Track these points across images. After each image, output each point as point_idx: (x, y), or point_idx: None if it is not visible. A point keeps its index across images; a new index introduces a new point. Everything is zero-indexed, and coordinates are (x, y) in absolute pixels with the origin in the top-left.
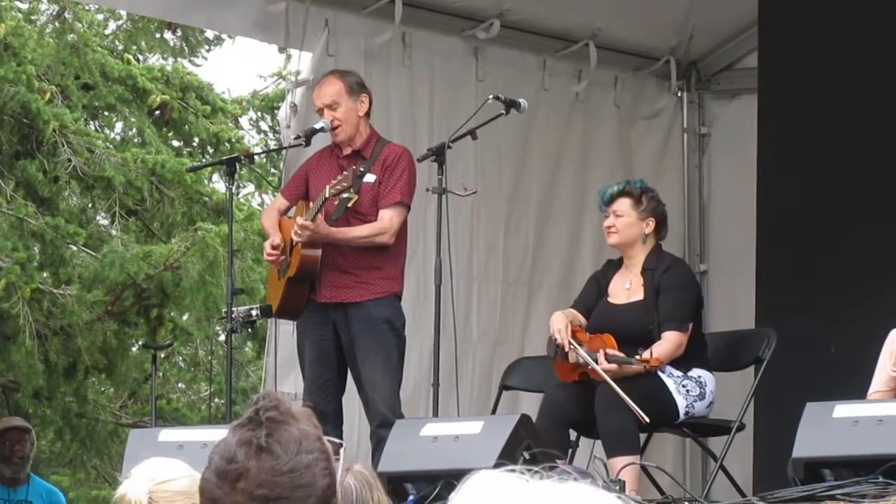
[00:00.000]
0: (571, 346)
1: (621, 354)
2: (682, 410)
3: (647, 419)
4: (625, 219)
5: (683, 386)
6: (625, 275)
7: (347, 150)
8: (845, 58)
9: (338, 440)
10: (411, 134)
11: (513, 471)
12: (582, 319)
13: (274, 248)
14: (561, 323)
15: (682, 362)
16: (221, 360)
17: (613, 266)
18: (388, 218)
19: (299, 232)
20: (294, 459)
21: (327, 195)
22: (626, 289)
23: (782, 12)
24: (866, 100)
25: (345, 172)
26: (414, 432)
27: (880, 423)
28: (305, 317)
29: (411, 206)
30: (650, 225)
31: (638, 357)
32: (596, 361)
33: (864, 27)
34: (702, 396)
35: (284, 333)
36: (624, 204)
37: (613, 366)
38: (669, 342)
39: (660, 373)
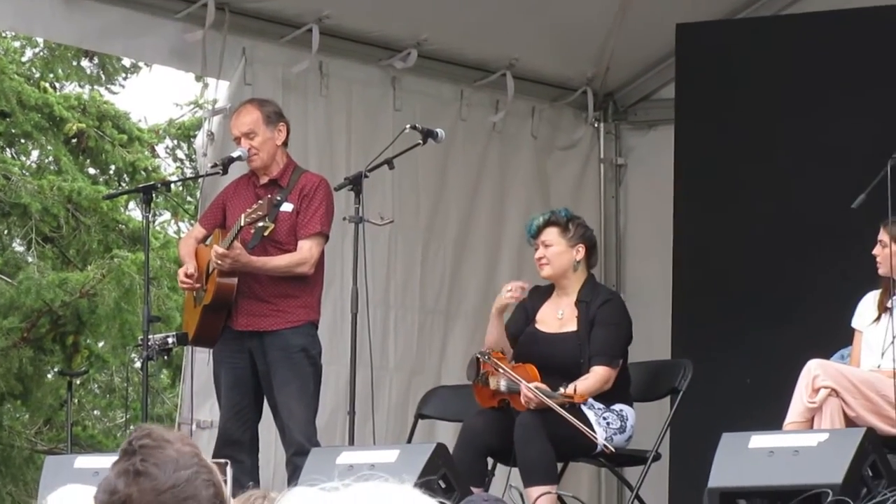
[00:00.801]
0: (495, 371)
1: (544, 386)
2: (600, 443)
3: (611, 448)
4: (554, 248)
5: (604, 418)
6: (556, 303)
7: (264, 179)
8: (761, 90)
9: (223, 460)
10: (328, 162)
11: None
12: (507, 347)
13: (188, 276)
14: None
15: (607, 397)
16: (137, 387)
17: (543, 293)
18: (307, 248)
19: (219, 261)
20: (173, 476)
21: (242, 224)
22: (559, 318)
23: (699, 44)
24: (781, 133)
25: (260, 202)
26: (330, 460)
27: (796, 453)
28: (221, 344)
29: (329, 236)
30: (580, 251)
31: (562, 392)
32: (519, 393)
33: (781, 60)
34: (622, 430)
35: (200, 361)
36: (551, 234)
37: (532, 396)
38: (597, 377)
39: (581, 404)
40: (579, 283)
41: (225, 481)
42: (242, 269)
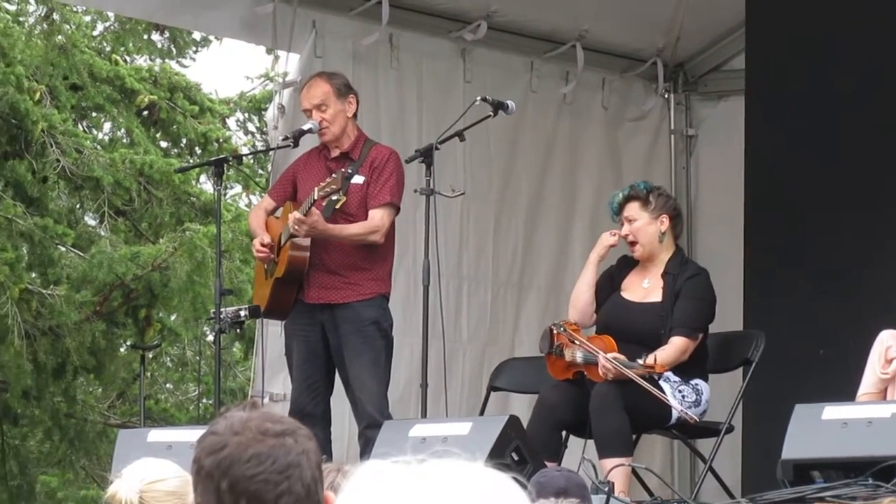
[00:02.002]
0: (570, 343)
1: (622, 357)
2: (674, 414)
3: (695, 418)
4: (638, 222)
5: (679, 391)
6: (642, 273)
7: (335, 152)
8: (832, 59)
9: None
10: (400, 135)
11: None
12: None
13: (263, 245)
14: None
15: (684, 370)
16: (209, 360)
17: (630, 261)
18: (379, 217)
19: (296, 227)
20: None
21: (315, 197)
22: (644, 287)
23: (769, 14)
24: (852, 100)
25: (333, 175)
26: (402, 433)
27: (869, 424)
28: (293, 318)
29: (400, 208)
30: (665, 222)
31: (641, 362)
32: (595, 364)
33: (851, 28)
34: (697, 403)
35: (272, 334)
36: (633, 208)
37: (611, 367)
38: (676, 347)
39: (657, 376)
40: (667, 256)
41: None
42: (319, 236)
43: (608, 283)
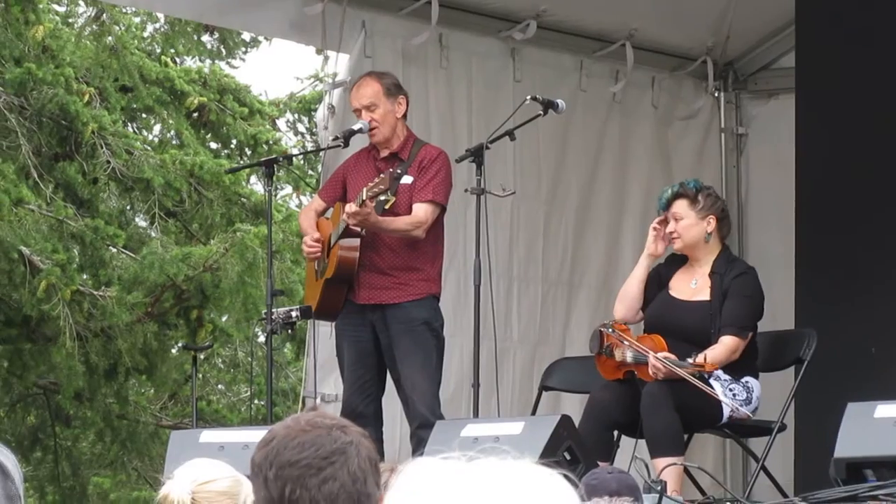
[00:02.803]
0: (619, 343)
1: (673, 356)
2: (726, 413)
3: (748, 414)
4: (685, 221)
5: (731, 389)
6: (690, 272)
7: (385, 152)
8: (883, 57)
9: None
10: (450, 135)
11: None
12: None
13: (314, 240)
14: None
15: (735, 369)
16: (261, 361)
17: (677, 261)
18: (422, 212)
19: (350, 218)
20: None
21: (364, 197)
22: (692, 287)
23: (819, 11)
24: None
25: (381, 175)
26: (454, 433)
27: None
28: (344, 318)
29: (447, 207)
30: (711, 223)
31: (691, 361)
32: (645, 364)
33: None
34: (748, 401)
35: (323, 335)
36: (681, 206)
37: (661, 366)
38: (726, 346)
39: (707, 375)
40: (713, 255)
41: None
42: (370, 228)
43: (656, 281)
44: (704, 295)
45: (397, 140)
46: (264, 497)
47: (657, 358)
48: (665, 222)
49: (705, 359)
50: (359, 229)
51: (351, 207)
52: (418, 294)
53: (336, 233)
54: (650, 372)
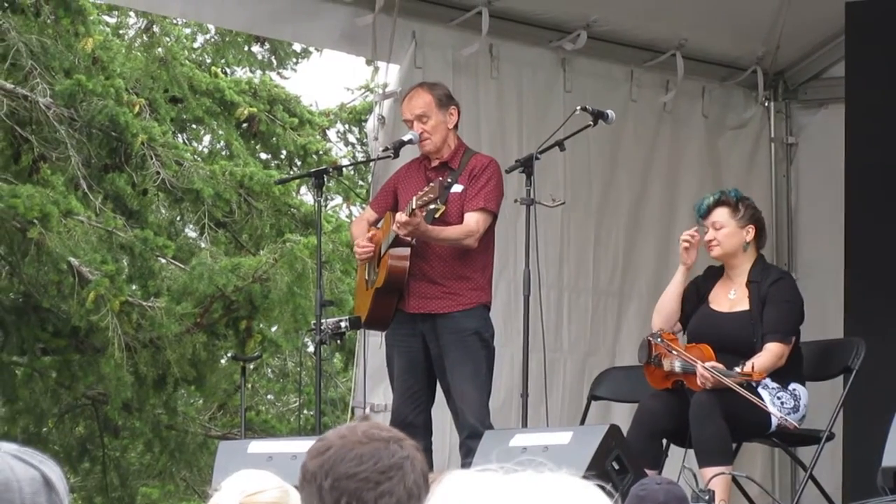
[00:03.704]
0: (667, 353)
1: (720, 366)
2: (774, 421)
3: (795, 424)
4: (725, 229)
5: (778, 398)
6: (727, 284)
7: (435, 162)
8: None
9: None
10: (500, 145)
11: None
12: (677, 323)
13: (367, 239)
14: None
15: (781, 375)
16: (310, 371)
17: (715, 273)
18: (474, 221)
19: (400, 228)
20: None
21: (413, 207)
22: (731, 298)
23: (869, 21)
24: None
25: (431, 184)
26: (503, 442)
27: None
28: (394, 328)
29: (498, 216)
30: (750, 232)
31: (739, 370)
32: (694, 373)
33: None
34: (796, 409)
35: (373, 345)
36: (722, 214)
37: (709, 375)
38: (772, 353)
39: (754, 384)
40: (749, 264)
41: None
42: (420, 237)
43: (694, 293)
44: (744, 305)
45: (448, 150)
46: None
47: (705, 367)
48: (696, 232)
49: (752, 367)
50: (409, 239)
51: (401, 217)
52: (468, 304)
53: (387, 242)
54: (698, 382)
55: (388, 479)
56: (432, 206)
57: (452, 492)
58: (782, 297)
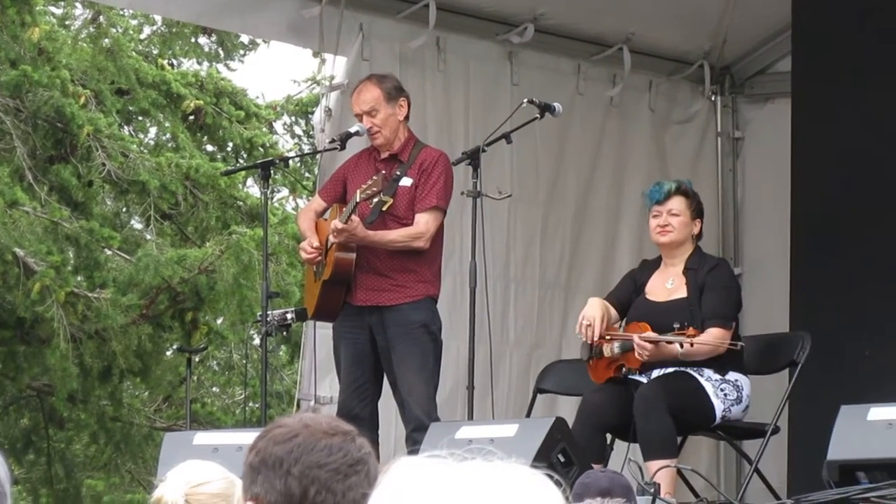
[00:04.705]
0: (606, 338)
1: (655, 334)
2: (718, 414)
3: (691, 342)
4: (681, 218)
5: (721, 390)
6: (664, 274)
7: (385, 154)
8: (878, 62)
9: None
10: (447, 138)
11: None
12: (614, 313)
13: (313, 247)
14: (597, 312)
15: (720, 365)
16: (256, 363)
17: (651, 265)
18: (423, 222)
19: (336, 235)
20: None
21: (357, 199)
22: (668, 287)
23: (816, 16)
24: None
25: (374, 177)
26: (449, 435)
27: None
28: (341, 320)
29: (447, 210)
30: (698, 225)
31: (674, 332)
32: (631, 349)
33: None
34: (739, 400)
35: (323, 337)
36: (680, 202)
37: (649, 345)
38: (712, 336)
39: (698, 376)
40: (687, 254)
41: None
42: (360, 243)
43: (631, 285)
44: (681, 292)
45: (398, 142)
46: (282, 492)
47: (640, 337)
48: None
49: (687, 325)
50: (343, 247)
51: (336, 224)
52: (416, 296)
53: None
54: (636, 354)
55: (355, 472)
56: (376, 200)
57: (399, 479)
58: (720, 283)
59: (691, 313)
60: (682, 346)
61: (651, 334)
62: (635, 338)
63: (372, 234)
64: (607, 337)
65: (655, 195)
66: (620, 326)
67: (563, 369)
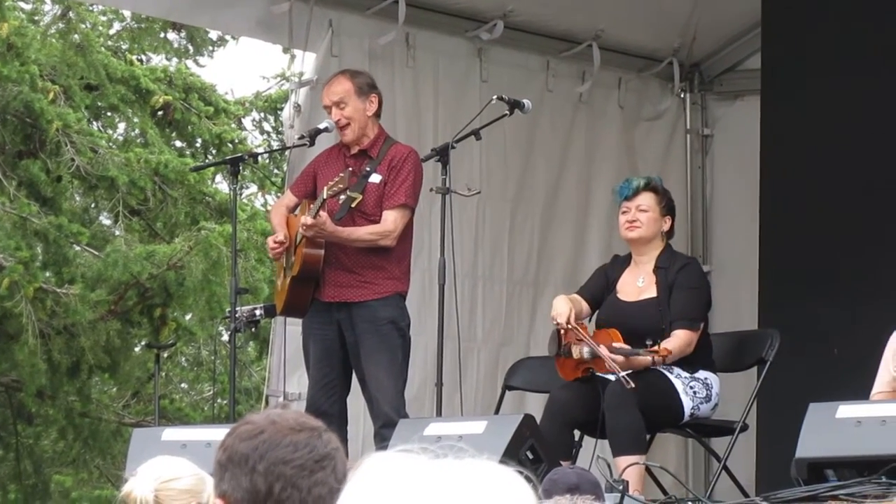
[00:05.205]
0: (574, 331)
1: (627, 347)
2: (687, 412)
3: (632, 384)
4: (649, 213)
5: (691, 387)
6: (635, 272)
7: (355, 150)
8: (848, 59)
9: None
10: (416, 134)
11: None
12: (586, 308)
13: (277, 242)
14: (564, 308)
15: (689, 363)
16: (224, 359)
17: (622, 262)
18: (391, 220)
19: (304, 230)
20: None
21: (325, 197)
22: (639, 286)
23: (785, 14)
24: (869, 101)
25: (341, 174)
26: (417, 432)
27: (883, 423)
28: (310, 316)
29: (416, 208)
30: (667, 223)
31: (646, 349)
32: (599, 356)
33: (868, 29)
34: (708, 398)
35: (292, 333)
36: (649, 198)
37: (620, 357)
38: (680, 339)
39: (668, 373)
40: (657, 251)
41: None
42: (328, 239)
43: (603, 280)
44: (651, 292)
45: (367, 138)
46: (248, 489)
47: (611, 351)
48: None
49: (658, 344)
50: (312, 244)
51: (306, 220)
52: (384, 292)
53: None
54: (607, 366)
55: (321, 468)
56: (344, 197)
57: (373, 473)
58: (689, 283)
59: (661, 314)
60: (654, 360)
61: (622, 346)
62: (603, 352)
63: (340, 230)
64: (578, 338)
65: (625, 191)
66: (591, 320)
67: (531, 366)
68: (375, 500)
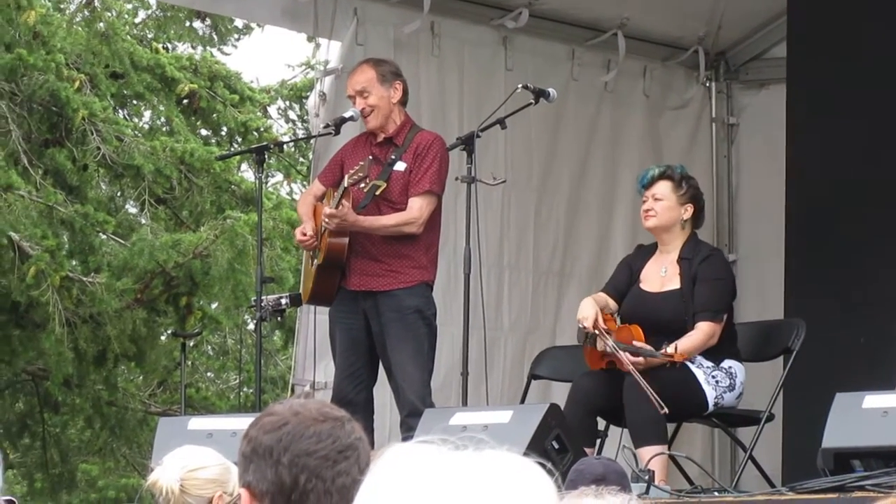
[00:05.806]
0: (600, 334)
1: (648, 347)
2: (711, 401)
3: (665, 409)
4: (664, 202)
5: (713, 377)
6: (659, 261)
7: (380, 138)
8: (874, 47)
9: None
10: (441, 123)
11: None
12: (612, 304)
13: (304, 234)
14: (590, 311)
15: (714, 353)
16: (250, 348)
17: (647, 251)
18: (417, 207)
19: (327, 221)
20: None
21: (346, 184)
22: (662, 276)
23: (811, 2)
24: (895, 87)
25: (361, 162)
26: (443, 421)
27: None
28: (337, 305)
29: (441, 195)
30: (689, 211)
31: (663, 352)
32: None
33: (894, 15)
34: (731, 387)
35: (320, 322)
36: (664, 187)
37: (640, 359)
38: (702, 332)
39: (689, 363)
40: (682, 241)
41: None
42: (351, 229)
43: (627, 273)
44: (675, 283)
45: (392, 126)
46: (273, 481)
47: (630, 358)
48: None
49: (676, 349)
50: (336, 232)
51: (327, 210)
52: (410, 282)
53: None
54: (628, 368)
55: (345, 458)
56: (371, 184)
57: (393, 464)
58: (713, 274)
59: (684, 305)
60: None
61: (642, 347)
62: (624, 358)
63: (363, 219)
64: (604, 330)
65: (642, 180)
66: (618, 313)
67: (557, 355)
68: (392, 492)
